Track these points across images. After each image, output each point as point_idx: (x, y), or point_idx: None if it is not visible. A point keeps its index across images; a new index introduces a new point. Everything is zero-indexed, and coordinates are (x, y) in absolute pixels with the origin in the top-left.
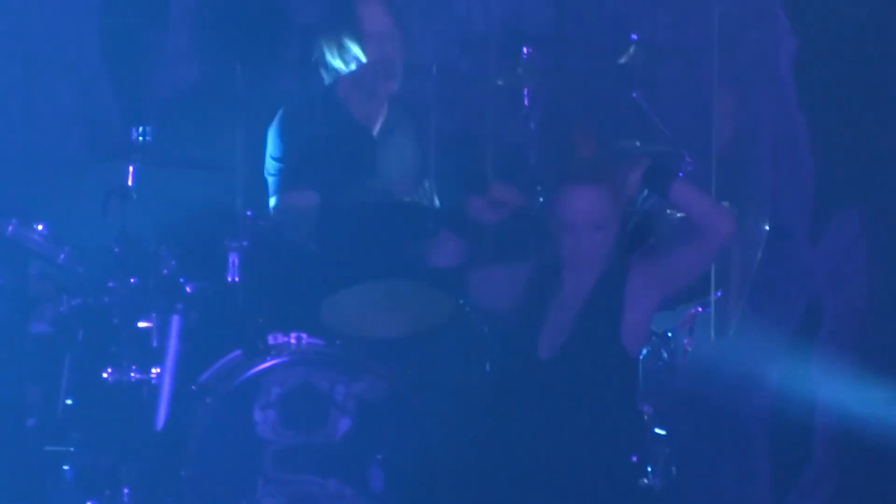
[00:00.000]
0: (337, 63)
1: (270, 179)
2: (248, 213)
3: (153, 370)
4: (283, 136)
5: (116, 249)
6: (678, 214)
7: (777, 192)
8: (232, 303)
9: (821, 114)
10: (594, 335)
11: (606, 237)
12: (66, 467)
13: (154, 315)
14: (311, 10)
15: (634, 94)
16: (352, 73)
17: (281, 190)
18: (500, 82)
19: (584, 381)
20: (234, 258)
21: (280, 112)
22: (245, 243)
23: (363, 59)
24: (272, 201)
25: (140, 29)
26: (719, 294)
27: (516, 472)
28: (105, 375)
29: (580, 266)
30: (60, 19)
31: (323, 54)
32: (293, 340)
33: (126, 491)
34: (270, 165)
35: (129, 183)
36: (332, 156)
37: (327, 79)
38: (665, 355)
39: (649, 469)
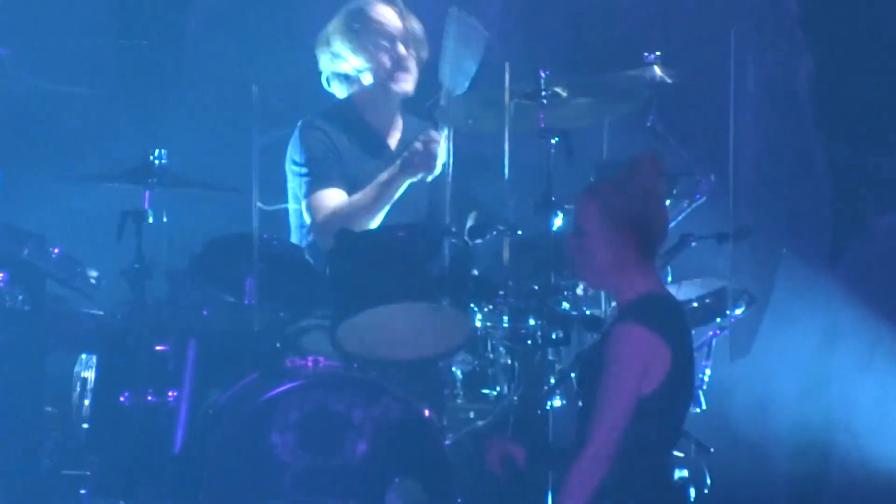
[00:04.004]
0: (344, 68)
1: (298, 182)
2: (265, 235)
3: (170, 393)
4: (305, 143)
5: (132, 272)
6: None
7: (795, 214)
8: (249, 326)
9: (838, 134)
10: None
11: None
12: (82, 491)
13: (170, 338)
14: (319, 24)
15: (651, 116)
16: (363, 80)
17: (311, 190)
18: (516, 104)
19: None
20: (250, 281)
21: (299, 123)
22: (261, 266)
23: (367, 64)
24: (304, 203)
25: (156, 50)
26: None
27: (538, 494)
28: (122, 399)
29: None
30: (75, 40)
31: (329, 63)
32: (310, 363)
33: None
34: (294, 171)
35: (146, 205)
36: (353, 165)
37: (339, 91)
38: None
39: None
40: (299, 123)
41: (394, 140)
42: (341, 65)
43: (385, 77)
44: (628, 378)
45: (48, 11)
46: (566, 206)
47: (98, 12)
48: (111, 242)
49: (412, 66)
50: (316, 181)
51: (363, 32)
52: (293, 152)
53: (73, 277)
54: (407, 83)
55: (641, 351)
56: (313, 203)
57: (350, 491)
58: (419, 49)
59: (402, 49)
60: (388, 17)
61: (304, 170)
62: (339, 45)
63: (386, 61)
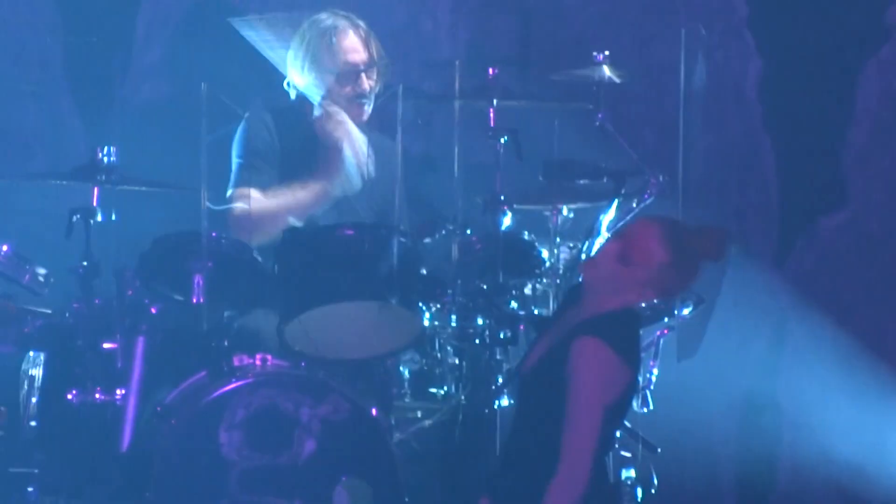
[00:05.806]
0: (309, 90)
1: (233, 171)
2: (213, 233)
3: (118, 391)
4: (249, 133)
5: (81, 270)
6: None
7: (743, 214)
8: (197, 324)
9: (786, 135)
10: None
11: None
12: (30, 489)
13: (119, 336)
14: (279, 32)
15: (600, 115)
16: (324, 102)
17: (236, 183)
18: (465, 102)
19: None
20: (198, 279)
21: (247, 114)
22: (210, 264)
23: (333, 87)
24: (227, 192)
25: (105, 48)
26: (684, 317)
27: (484, 491)
28: (70, 397)
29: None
30: (23, 38)
31: (294, 78)
32: (258, 362)
33: None
34: (234, 161)
35: (94, 203)
36: (293, 169)
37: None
38: None
39: None
40: (247, 114)
41: (346, 151)
42: (302, 84)
43: (343, 106)
44: (596, 393)
45: None
46: (514, 206)
47: (46, 9)
48: (59, 240)
49: (371, 97)
50: (247, 174)
51: (327, 63)
52: (237, 141)
53: (22, 275)
54: (362, 116)
55: (605, 370)
56: (237, 195)
57: (297, 490)
58: (380, 75)
59: (364, 83)
60: (354, 47)
61: (240, 160)
62: (302, 70)
63: (347, 92)
